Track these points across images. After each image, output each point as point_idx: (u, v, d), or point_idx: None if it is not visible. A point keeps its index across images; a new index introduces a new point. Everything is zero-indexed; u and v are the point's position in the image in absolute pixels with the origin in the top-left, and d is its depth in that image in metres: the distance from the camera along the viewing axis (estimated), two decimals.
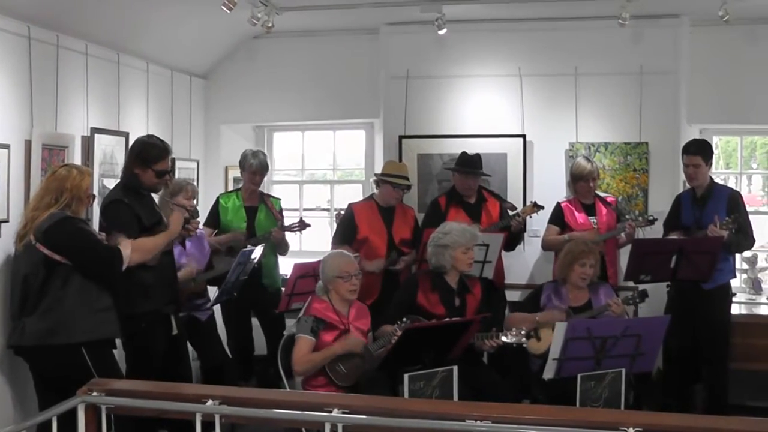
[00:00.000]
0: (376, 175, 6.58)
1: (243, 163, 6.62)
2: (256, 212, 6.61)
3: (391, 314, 5.07)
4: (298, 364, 4.83)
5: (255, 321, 6.77)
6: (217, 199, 6.72)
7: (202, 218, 6.56)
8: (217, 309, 6.35)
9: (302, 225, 6.63)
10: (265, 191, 7.04)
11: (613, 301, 5.34)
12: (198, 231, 5.81)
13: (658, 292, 6.00)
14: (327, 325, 4.92)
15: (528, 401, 5.33)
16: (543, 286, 5.69)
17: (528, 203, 6.49)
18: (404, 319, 4.81)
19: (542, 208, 6.34)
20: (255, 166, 6.55)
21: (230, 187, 7.76)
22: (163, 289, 5.01)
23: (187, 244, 5.86)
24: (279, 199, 6.94)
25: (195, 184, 6.03)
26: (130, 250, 4.56)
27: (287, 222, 6.76)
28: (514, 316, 5.53)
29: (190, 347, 5.99)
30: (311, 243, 7.81)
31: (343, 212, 6.63)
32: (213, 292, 6.07)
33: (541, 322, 5.29)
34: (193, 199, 5.86)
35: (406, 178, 6.44)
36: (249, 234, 6.47)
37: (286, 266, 6.55)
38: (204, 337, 5.94)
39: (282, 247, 6.62)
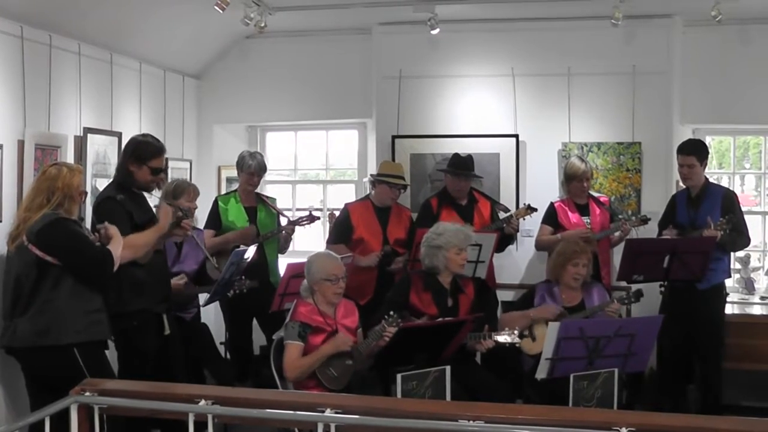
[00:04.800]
0: (372, 175, 6.58)
1: (241, 164, 6.60)
2: (256, 212, 6.60)
3: (384, 314, 5.05)
4: (289, 370, 4.79)
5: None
6: (216, 200, 6.68)
7: (200, 220, 6.57)
8: (209, 309, 6.33)
9: (311, 218, 6.61)
10: (259, 191, 6.99)
11: (611, 306, 5.35)
12: (196, 234, 5.78)
13: (652, 293, 6.00)
14: (314, 328, 4.89)
15: (521, 401, 5.32)
16: (536, 286, 5.70)
17: (521, 205, 6.49)
18: (391, 313, 4.74)
19: (535, 210, 6.34)
20: (253, 167, 6.52)
21: (223, 187, 7.77)
22: (155, 287, 4.99)
23: (184, 248, 5.84)
24: (274, 199, 6.92)
25: (196, 185, 6.01)
26: (121, 249, 4.51)
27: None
28: (507, 316, 5.54)
29: None
30: (304, 243, 7.79)
31: (337, 213, 6.63)
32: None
33: (535, 318, 5.31)
34: (196, 201, 5.89)
35: (402, 178, 6.44)
36: None
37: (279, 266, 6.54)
38: (190, 334, 5.87)
39: (287, 244, 6.63)
